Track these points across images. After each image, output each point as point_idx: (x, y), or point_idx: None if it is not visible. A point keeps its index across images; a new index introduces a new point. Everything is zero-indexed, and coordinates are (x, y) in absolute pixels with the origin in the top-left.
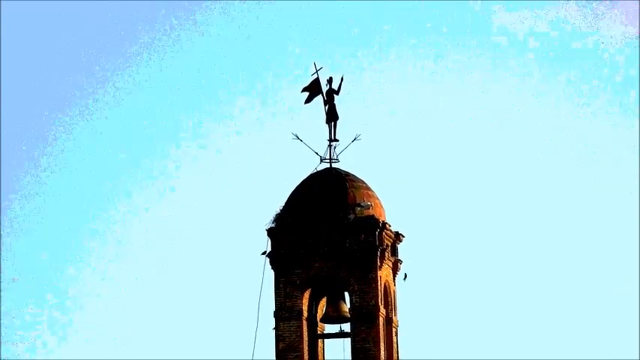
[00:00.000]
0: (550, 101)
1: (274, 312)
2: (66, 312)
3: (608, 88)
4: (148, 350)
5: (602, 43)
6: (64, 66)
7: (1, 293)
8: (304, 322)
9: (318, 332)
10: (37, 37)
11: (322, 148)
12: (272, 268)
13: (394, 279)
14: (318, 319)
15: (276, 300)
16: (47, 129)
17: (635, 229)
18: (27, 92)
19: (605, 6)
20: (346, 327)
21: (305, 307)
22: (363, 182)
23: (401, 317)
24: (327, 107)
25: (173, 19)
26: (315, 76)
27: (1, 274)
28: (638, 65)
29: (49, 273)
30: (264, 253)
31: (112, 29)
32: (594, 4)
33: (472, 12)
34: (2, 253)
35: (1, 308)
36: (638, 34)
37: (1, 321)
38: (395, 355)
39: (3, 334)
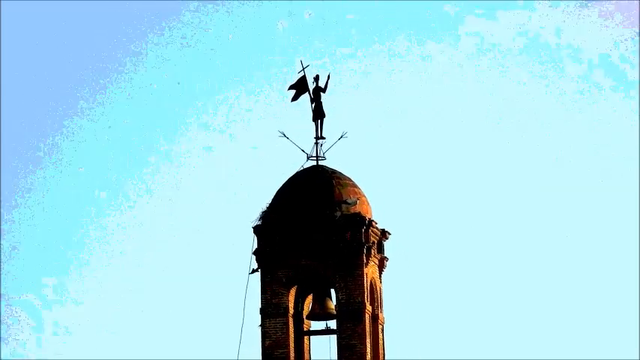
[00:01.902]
0: (531, 98)
1: (260, 309)
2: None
3: (586, 87)
4: (133, 347)
5: (578, 43)
6: (62, 65)
7: (1, 293)
8: (290, 319)
9: (304, 329)
10: (37, 37)
11: (309, 146)
12: (258, 266)
13: (380, 276)
14: (304, 316)
15: (262, 297)
16: (46, 128)
17: (635, 228)
18: (26, 92)
19: (579, 7)
20: (332, 324)
21: (291, 304)
22: (350, 180)
23: (387, 314)
24: (313, 105)
25: (160, 18)
26: (302, 73)
27: (1, 273)
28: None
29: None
30: (253, 272)
31: (107, 29)
32: (568, 4)
33: (456, 12)
34: (2, 252)
35: (2, 308)
36: (638, 33)
37: (1, 321)
38: (381, 352)
39: (3, 334)
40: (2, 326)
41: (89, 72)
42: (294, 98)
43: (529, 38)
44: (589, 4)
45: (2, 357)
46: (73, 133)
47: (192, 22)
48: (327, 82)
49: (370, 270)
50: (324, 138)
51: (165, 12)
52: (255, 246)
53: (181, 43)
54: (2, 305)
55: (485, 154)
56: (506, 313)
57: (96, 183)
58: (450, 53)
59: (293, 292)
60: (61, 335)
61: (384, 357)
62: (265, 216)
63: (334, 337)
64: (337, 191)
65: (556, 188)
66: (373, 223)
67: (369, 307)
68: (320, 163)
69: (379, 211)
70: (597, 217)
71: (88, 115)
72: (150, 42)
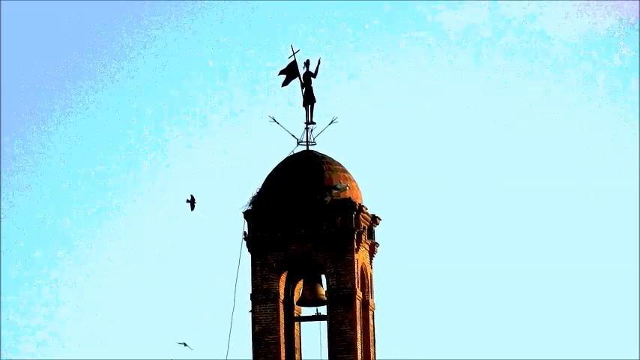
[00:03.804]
0: (518, 86)
1: (251, 295)
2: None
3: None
4: (121, 331)
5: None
6: (58, 65)
7: (1, 292)
8: (281, 305)
9: (295, 315)
10: (37, 37)
11: (299, 131)
12: (249, 251)
13: (371, 262)
14: (295, 302)
15: (252, 283)
16: (43, 128)
17: (636, 228)
18: (25, 91)
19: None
20: (323, 310)
21: (281, 290)
22: (340, 165)
23: (378, 300)
24: (304, 90)
25: (151, 6)
26: (293, 58)
27: (1, 272)
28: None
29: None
30: (190, 201)
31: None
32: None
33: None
34: (2, 251)
35: (1, 307)
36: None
37: (1, 321)
38: (371, 337)
39: (3, 334)
40: (2, 326)
41: (82, 65)
42: (285, 83)
43: (516, 29)
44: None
45: (2, 357)
46: (66, 125)
47: (183, 7)
48: (317, 68)
49: (361, 256)
50: (314, 123)
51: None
52: (246, 231)
53: (172, 30)
54: (2, 305)
55: (475, 141)
56: (500, 301)
57: (81, 170)
58: (439, 40)
59: (283, 277)
60: (56, 333)
61: (374, 343)
62: (256, 201)
63: (325, 322)
64: (327, 176)
65: (546, 173)
66: (363, 209)
67: (359, 293)
68: (310, 148)
69: (369, 196)
70: (596, 214)
71: (80, 103)
72: (139, 26)
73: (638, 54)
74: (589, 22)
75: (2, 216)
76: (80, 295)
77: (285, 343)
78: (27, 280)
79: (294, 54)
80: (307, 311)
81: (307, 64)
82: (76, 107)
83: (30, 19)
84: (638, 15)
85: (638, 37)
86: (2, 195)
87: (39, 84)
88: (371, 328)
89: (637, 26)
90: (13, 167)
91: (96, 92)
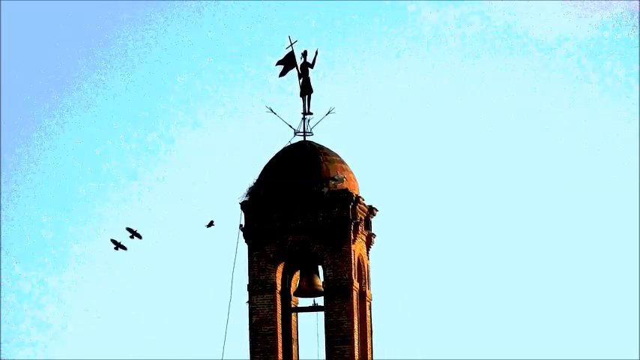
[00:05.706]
0: (518, 81)
1: (248, 285)
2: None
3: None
4: (118, 323)
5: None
6: (58, 65)
7: (1, 291)
8: (278, 296)
9: (292, 306)
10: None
11: (296, 122)
12: (246, 242)
13: (368, 253)
14: (292, 293)
15: (249, 274)
16: (41, 127)
17: (636, 228)
18: (24, 91)
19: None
20: (320, 300)
21: (278, 281)
22: (337, 155)
23: (374, 291)
24: (301, 80)
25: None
26: (290, 49)
27: (1, 271)
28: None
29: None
30: (209, 225)
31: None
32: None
33: None
34: (2, 250)
35: (1, 308)
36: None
37: (1, 321)
38: (368, 328)
39: (3, 334)
40: (2, 326)
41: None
42: (282, 74)
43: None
44: None
45: (2, 357)
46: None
47: (180, 1)
48: (314, 58)
49: (357, 247)
50: (311, 113)
51: None
52: (243, 222)
53: (170, 21)
54: (1, 305)
55: (471, 134)
56: (498, 294)
57: (78, 163)
58: (438, 30)
59: (280, 268)
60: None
61: (371, 334)
62: (252, 192)
63: (322, 313)
64: (324, 167)
65: (542, 168)
66: (360, 200)
67: (356, 284)
68: (307, 138)
69: (366, 187)
70: (596, 214)
71: (79, 96)
72: (136, 12)
73: (638, 53)
74: (585, 21)
75: (2, 216)
76: (77, 292)
77: (282, 333)
78: (26, 279)
79: (291, 44)
80: (304, 302)
81: (305, 54)
82: (74, 102)
83: (30, 19)
84: (637, 13)
85: (637, 36)
86: (2, 195)
87: (39, 84)
88: (368, 319)
89: (637, 25)
90: (12, 167)
91: (95, 85)
